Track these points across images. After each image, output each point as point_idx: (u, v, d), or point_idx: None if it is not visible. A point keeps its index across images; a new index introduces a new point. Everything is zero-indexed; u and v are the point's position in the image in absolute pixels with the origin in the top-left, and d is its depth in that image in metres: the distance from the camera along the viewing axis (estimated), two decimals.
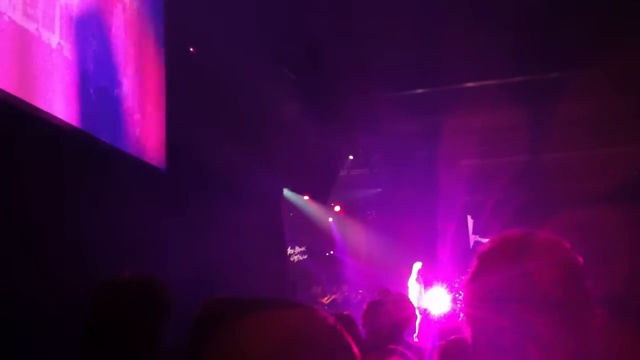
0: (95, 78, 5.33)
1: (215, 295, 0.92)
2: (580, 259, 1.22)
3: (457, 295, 10.63)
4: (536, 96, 9.25)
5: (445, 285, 11.56)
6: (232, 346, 0.79)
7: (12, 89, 4.22)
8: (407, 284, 11.36)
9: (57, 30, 4.76)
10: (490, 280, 1.22)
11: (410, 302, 4.04)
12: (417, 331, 10.39)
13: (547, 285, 1.15)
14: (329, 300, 12.20)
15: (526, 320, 1.14)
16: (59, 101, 4.77)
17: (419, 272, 11.52)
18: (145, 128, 6.10)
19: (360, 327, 3.56)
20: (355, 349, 0.84)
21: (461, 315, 1.36)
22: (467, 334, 1.30)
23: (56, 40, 4.73)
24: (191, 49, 7.37)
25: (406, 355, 3.24)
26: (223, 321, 0.81)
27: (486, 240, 1.40)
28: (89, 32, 5.27)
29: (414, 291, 11.19)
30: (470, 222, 14.24)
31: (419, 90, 9.68)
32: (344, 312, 4.15)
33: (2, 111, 4.10)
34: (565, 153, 11.20)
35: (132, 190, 5.38)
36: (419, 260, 11.67)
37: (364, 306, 3.76)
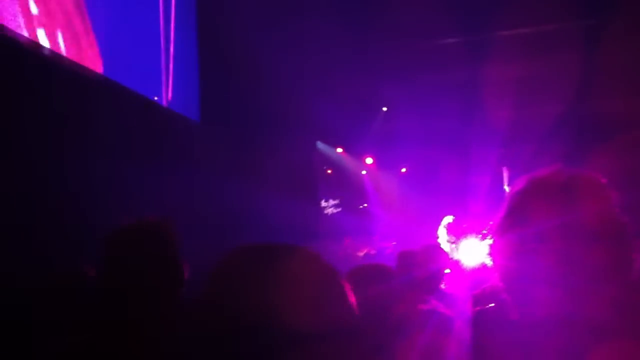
0: (129, 30, 5.34)
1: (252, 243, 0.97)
2: (616, 194, 1.18)
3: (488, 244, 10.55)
4: (574, 44, 8.93)
5: (478, 238, 11.50)
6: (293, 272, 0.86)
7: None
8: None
9: None
10: (526, 229, 1.19)
11: (443, 253, 4.03)
12: (448, 282, 10.39)
13: (591, 224, 1.12)
14: (363, 252, 12.28)
15: (561, 271, 1.11)
16: (92, 53, 4.80)
17: (449, 226, 11.47)
18: (179, 79, 6.12)
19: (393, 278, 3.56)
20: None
21: (489, 263, 1.33)
22: (497, 284, 1.27)
23: None
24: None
25: (436, 307, 3.23)
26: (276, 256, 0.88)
27: None
28: None
29: (444, 245, 11.17)
30: (505, 174, 14.05)
31: (452, 40, 9.45)
32: (378, 263, 4.15)
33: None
34: (605, 102, 10.86)
35: (167, 141, 5.43)
36: (452, 214, 11.61)
37: (396, 256, 3.76)
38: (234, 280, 0.90)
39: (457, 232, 11.53)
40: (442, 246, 10.85)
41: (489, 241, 1.31)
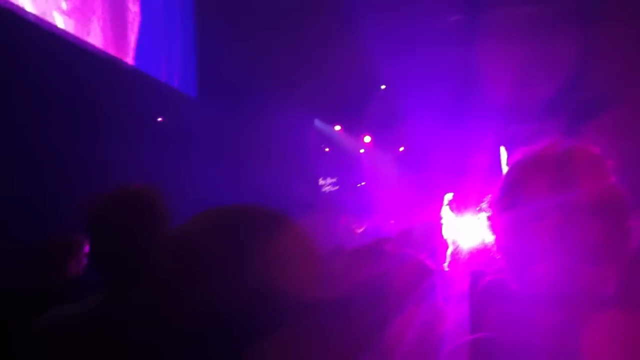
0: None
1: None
2: (611, 164, 1.17)
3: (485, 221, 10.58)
4: (573, 23, 8.87)
5: (478, 216, 11.51)
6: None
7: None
8: (439, 215, 11.35)
9: None
10: (523, 205, 1.18)
11: (440, 231, 4.04)
12: (447, 261, 10.41)
13: (588, 199, 1.11)
14: (361, 230, 12.29)
15: (559, 248, 1.11)
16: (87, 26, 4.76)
17: (451, 202, 11.47)
18: (175, 54, 6.08)
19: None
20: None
21: (489, 241, 1.31)
22: (498, 264, 1.27)
23: None
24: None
25: (435, 283, 3.23)
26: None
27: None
28: None
29: (447, 222, 11.18)
30: (504, 153, 14.03)
31: (453, 17, 9.38)
32: (375, 239, 4.16)
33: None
34: (603, 83, 10.81)
35: (163, 116, 5.41)
36: (451, 192, 11.59)
37: (395, 235, 3.77)
38: (211, 248, 0.86)
39: (459, 210, 11.53)
40: (445, 224, 10.88)
41: (486, 217, 1.29)
